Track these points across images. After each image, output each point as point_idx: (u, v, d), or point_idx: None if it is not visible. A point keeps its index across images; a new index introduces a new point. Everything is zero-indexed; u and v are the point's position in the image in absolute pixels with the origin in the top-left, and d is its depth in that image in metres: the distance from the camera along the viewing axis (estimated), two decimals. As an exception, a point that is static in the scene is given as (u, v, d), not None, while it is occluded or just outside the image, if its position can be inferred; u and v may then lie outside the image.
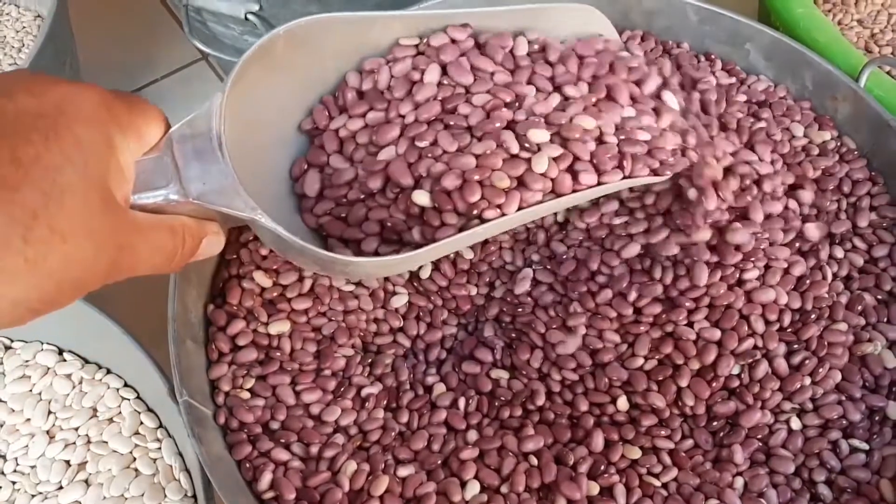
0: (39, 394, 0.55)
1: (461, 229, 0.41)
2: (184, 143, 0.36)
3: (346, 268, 0.41)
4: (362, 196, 0.43)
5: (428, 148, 0.42)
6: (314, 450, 0.45)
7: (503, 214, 0.41)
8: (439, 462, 0.45)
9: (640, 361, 0.47)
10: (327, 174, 0.45)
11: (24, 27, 0.80)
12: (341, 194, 0.44)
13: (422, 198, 0.41)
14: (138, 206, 0.35)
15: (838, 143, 0.55)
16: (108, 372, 0.56)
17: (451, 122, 0.43)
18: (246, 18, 0.66)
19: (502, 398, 0.48)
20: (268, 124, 0.44)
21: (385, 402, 0.48)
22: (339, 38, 0.44)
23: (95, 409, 0.54)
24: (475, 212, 0.41)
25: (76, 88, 0.32)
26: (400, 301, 0.50)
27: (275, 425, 0.46)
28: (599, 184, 0.43)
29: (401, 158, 0.43)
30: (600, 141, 0.43)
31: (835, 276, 0.49)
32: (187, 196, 0.36)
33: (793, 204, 0.50)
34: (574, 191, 0.42)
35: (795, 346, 0.46)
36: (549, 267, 0.51)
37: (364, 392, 0.48)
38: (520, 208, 0.41)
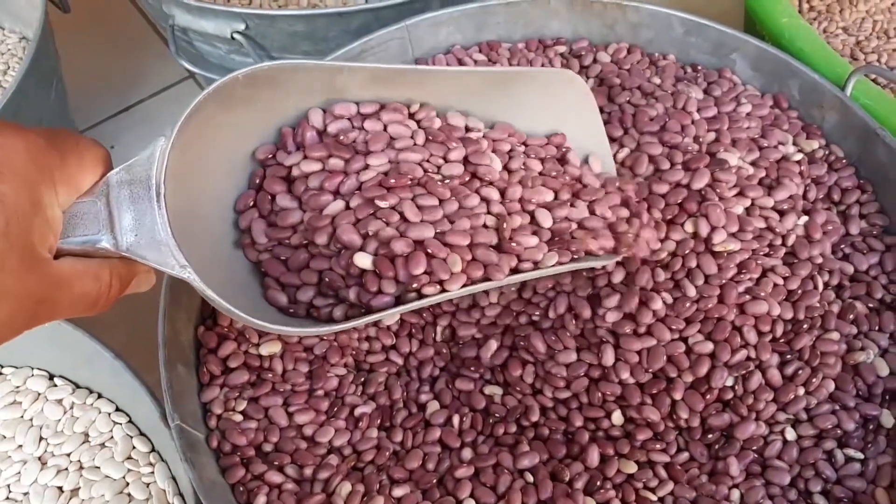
0: (31, 420, 0.55)
1: (398, 298, 0.40)
2: (120, 188, 0.35)
3: (271, 330, 0.40)
4: (305, 242, 0.42)
5: (385, 211, 0.41)
6: (308, 471, 0.45)
7: (443, 291, 0.40)
8: (434, 481, 0.45)
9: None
10: (274, 211, 0.43)
11: (9, 49, 0.79)
12: (285, 236, 0.42)
13: (363, 260, 0.40)
14: (65, 251, 0.34)
15: (826, 152, 0.55)
16: (100, 396, 0.56)
17: (427, 190, 0.42)
18: (232, 38, 0.66)
19: (497, 415, 0.47)
20: (220, 152, 0.42)
21: (379, 421, 0.48)
22: (302, 80, 0.43)
23: (87, 435, 0.54)
24: (415, 284, 0.40)
25: (6, 139, 0.31)
26: (391, 318, 0.50)
27: (268, 447, 0.46)
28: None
29: (349, 213, 0.41)
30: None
31: (826, 285, 0.49)
32: (117, 247, 0.34)
33: (787, 219, 0.50)
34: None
35: (788, 356, 0.46)
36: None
37: (357, 412, 0.47)
38: (462, 285, 0.41)
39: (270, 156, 0.44)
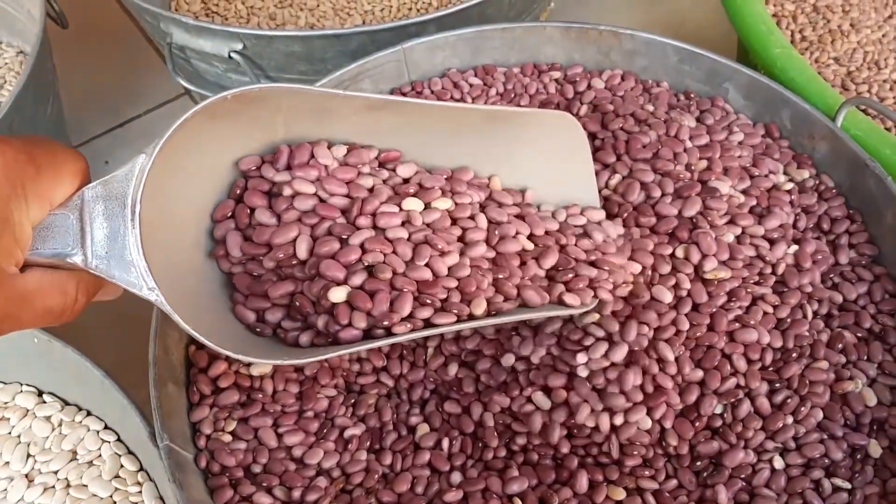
0: (18, 436, 0.55)
1: (366, 332, 0.40)
2: (95, 203, 0.34)
3: (228, 355, 0.38)
4: (280, 258, 0.41)
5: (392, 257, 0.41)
6: (296, 493, 0.45)
7: (413, 330, 0.41)
8: (423, 505, 0.45)
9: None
10: (252, 225, 0.42)
11: (6, 63, 0.80)
12: (259, 252, 0.42)
13: (338, 294, 0.40)
14: (33, 262, 0.33)
15: (817, 182, 0.55)
16: (89, 414, 0.56)
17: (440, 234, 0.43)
18: (230, 57, 0.67)
19: (485, 439, 0.47)
20: (202, 160, 0.41)
21: (368, 443, 0.48)
22: (293, 100, 0.41)
23: (75, 452, 0.54)
24: (386, 322, 0.40)
25: None
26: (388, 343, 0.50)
27: (256, 469, 0.46)
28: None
29: (333, 243, 0.41)
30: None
31: (815, 314, 0.50)
32: (86, 264, 0.34)
33: (777, 247, 0.50)
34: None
35: (777, 384, 0.47)
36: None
37: (347, 433, 0.47)
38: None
39: (254, 167, 0.43)
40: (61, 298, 0.34)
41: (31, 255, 0.33)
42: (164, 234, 0.38)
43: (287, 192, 0.42)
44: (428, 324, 0.41)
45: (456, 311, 0.41)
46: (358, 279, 0.41)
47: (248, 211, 0.43)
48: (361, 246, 0.41)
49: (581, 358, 0.46)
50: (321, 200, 0.43)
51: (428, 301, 0.41)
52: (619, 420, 0.45)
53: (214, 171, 0.43)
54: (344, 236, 0.41)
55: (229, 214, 0.43)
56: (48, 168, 0.33)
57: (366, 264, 0.41)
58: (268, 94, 0.40)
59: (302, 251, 0.41)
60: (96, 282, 0.36)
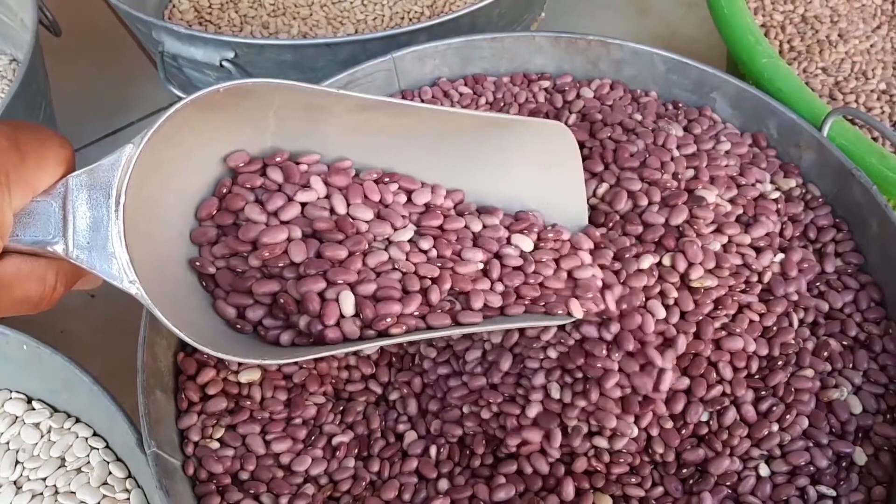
0: (7, 443, 0.55)
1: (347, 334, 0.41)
2: (79, 192, 0.34)
3: (213, 351, 0.38)
4: (267, 258, 0.41)
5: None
6: (284, 501, 0.45)
7: (408, 331, 0.41)
8: (410, 512, 0.45)
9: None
10: (236, 223, 0.42)
11: (-2, 71, 0.80)
12: (245, 249, 0.42)
13: (347, 304, 0.41)
14: (13, 249, 0.33)
15: (803, 191, 0.56)
16: (77, 421, 0.56)
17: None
18: (221, 65, 0.67)
19: (473, 446, 0.48)
20: (190, 151, 0.41)
21: (356, 450, 0.48)
22: (287, 97, 0.41)
23: (64, 459, 0.54)
24: (381, 324, 0.40)
25: None
26: (371, 347, 0.50)
27: (244, 476, 0.46)
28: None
29: (340, 250, 0.42)
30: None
31: (801, 322, 0.50)
32: (67, 253, 0.34)
33: (763, 256, 0.51)
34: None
35: (763, 392, 0.47)
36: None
37: (335, 441, 0.48)
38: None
39: (242, 164, 0.43)
40: (39, 286, 0.34)
41: (11, 241, 0.33)
42: (148, 225, 0.37)
43: (301, 196, 0.43)
44: (420, 328, 0.42)
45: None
46: (369, 288, 0.41)
47: (232, 212, 0.43)
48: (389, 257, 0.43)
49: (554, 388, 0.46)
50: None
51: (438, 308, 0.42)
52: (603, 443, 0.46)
53: (202, 164, 0.42)
54: (348, 244, 0.42)
55: (214, 212, 0.43)
56: (33, 154, 0.33)
57: (381, 270, 0.42)
58: (260, 89, 0.39)
59: (296, 253, 0.41)
60: (76, 271, 0.35)
